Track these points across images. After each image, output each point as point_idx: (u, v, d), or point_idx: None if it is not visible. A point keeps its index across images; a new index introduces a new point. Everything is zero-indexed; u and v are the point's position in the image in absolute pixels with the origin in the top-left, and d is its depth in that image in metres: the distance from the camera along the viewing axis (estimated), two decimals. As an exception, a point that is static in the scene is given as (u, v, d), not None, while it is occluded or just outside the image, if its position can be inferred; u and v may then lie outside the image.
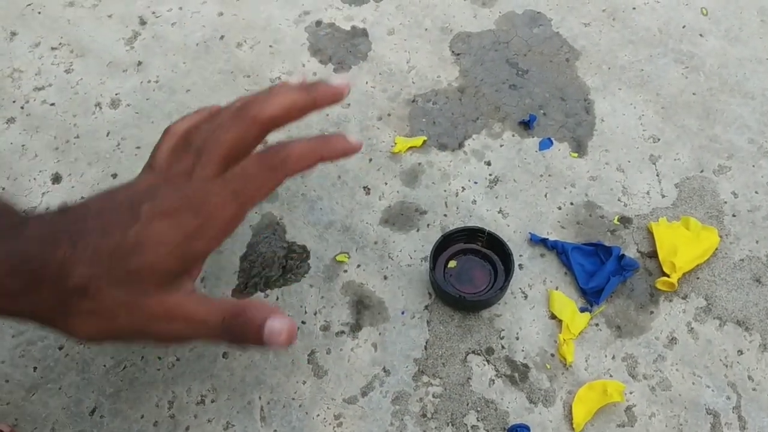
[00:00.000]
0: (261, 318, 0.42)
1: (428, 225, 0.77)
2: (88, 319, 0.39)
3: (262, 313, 0.43)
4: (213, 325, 0.42)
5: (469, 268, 0.72)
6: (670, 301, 0.72)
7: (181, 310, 0.42)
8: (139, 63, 0.91)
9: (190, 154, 0.44)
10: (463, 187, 0.80)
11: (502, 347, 0.69)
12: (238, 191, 0.42)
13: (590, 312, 0.70)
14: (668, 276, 0.72)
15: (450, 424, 0.65)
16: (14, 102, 0.88)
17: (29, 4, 0.98)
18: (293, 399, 0.66)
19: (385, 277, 0.73)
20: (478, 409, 0.66)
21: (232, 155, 0.44)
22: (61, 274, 0.37)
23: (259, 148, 0.47)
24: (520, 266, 0.74)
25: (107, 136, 0.84)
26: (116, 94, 0.88)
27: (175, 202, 0.40)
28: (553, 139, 0.83)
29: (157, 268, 0.39)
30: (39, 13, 0.97)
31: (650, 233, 0.76)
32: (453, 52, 0.93)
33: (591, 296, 0.71)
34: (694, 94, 0.88)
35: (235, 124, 0.45)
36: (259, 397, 0.66)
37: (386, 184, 0.80)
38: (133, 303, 0.39)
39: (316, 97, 0.50)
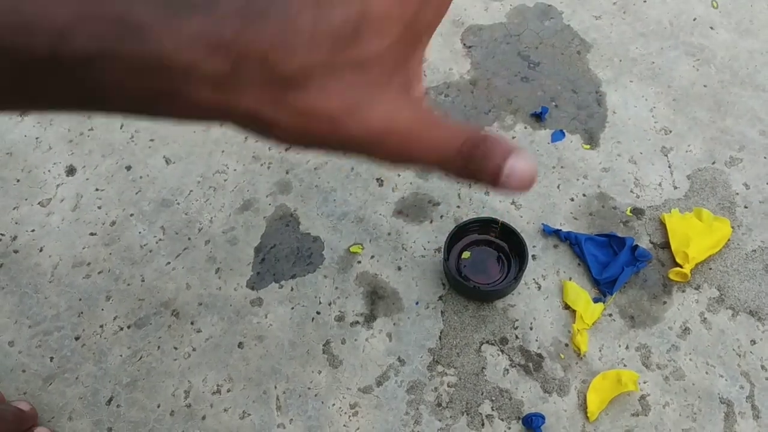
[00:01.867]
0: (503, 152, 0.33)
1: (441, 216, 0.77)
2: (303, 118, 0.31)
3: (505, 147, 0.34)
4: (450, 149, 0.33)
5: (483, 258, 0.72)
6: (683, 291, 0.72)
7: (423, 123, 0.33)
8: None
9: None
10: (475, 179, 0.80)
11: (516, 337, 0.69)
12: None
13: (603, 302, 0.71)
14: (681, 266, 0.72)
15: (465, 414, 0.65)
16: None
17: None
18: (309, 389, 0.67)
19: (399, 268, 0.74)
20: (493, 398, 0.66)
21: None
22: (274, 55, 0.29)
23: None
24: (534, 257, 0.74)
25: (121, 128, 0.85)
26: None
27: None
28: (565, 131, 0.84)
29: (387, 55, 0.32)
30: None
31: (662, 224, 0.76)
32: (465, 44, 0.93)
33: (604, 287, 0.71)
34: (705, 86, 0.88)
35: None
36: (275, 387, 0.67)
37: (399, 175, 0.80)
38: (366, 103, 0.32)
39: None
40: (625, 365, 0.68)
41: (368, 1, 0.32)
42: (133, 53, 0.27)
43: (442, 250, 0.71)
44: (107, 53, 0.27)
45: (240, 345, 0.69)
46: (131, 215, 0.78)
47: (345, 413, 0.65)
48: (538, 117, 0.84)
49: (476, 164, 0.33)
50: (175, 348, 0.69)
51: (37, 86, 0.27)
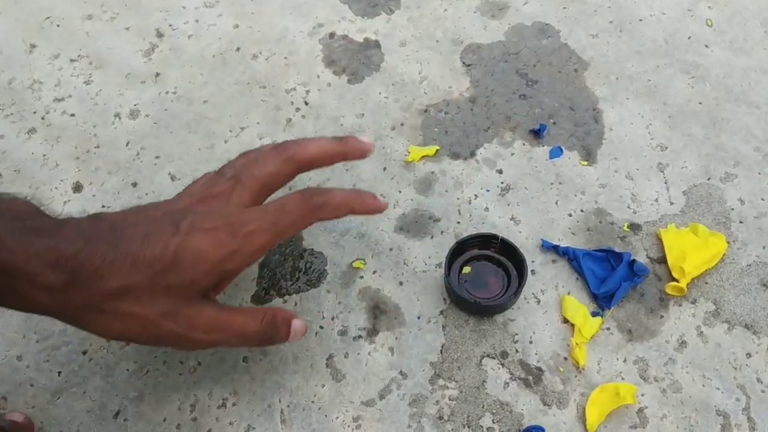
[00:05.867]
0: (288, 320, 0.49)
1: (442, 232, 0.79)
2: (124, 320, 0.41)
3: (288, 315, 0.49)
4: (251, 333, 0.47)
5: (483, 273, 0.74)
6: (680, 305, 0.73)
7: (222, 320, 0.45)
8: (157, 74, 0.94)
9: (228, 182, 0.47)
10: (475, 195, 0.81)
11: (516, 351, 0.71)
12: (275, 222, 0.45)
13: (602, 316, 0.72)
14: (677, 281, 0.73)
15: (466, 426, 0.66)
16: (35, 113, 0.90)
17: (48, 17, 1.00)
18: (313, 402, 0.68)
19: (401, 283, 0.75)
20: (494, 411, 0.67)
21: (267, 187, 0.48)
22: (101, 274, 0.38)
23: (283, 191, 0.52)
24: (533, 272, 0.75)
25: (127, 145, 0.86)
26: (135, 105, 0.90)
27: (215, 221, 0.43)
28: (563, 147, 0.85)
29: (196, 282, 0.42)
30: (58, 25, 0.99)
31: (659, 239, 0.77)
32: (464, 63, 0.95)
33: (602, 301, 0.73)
34: (700, 103, 0.90)
35: (274, 159, 0.49)
36: (279, 401, 0.68)
37: (400, 192, 0.82)
38: (174, 312, 0.41)
39: (346, 149, 0.55)
40: (623, 378, 0.69)
41: (186, 242, 0.41)
42: None
43: (443, 265, 0.72)
44: None
45: (245, 359, 0.70)
46: (137, 231, 0.79)
47: (348, 426, 0.66)
48: (537, 134, 0.86)
49: (274, 332, 0.49)
50: (181, 362, 0.70)
51: None
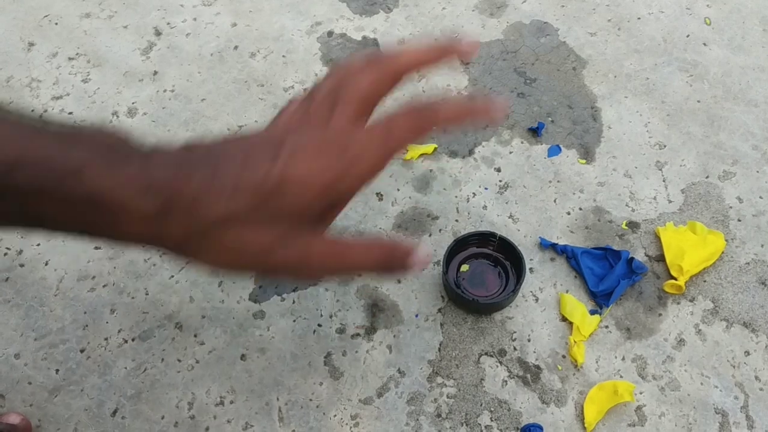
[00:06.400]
0: (408, 252, 0.40)
1: (440, 230, 0.78)
2: (233, 250, 0.36)
3: (408, 247, 0.41)
4: (369, 264, 0.40)
5: (481, 271, 0.74)
6: (678, 303, 0.73)
7: (338, 251, 0.39)
8: (155, 73, 0.93)
9: (323, 104, 0.41)
10: (473, 193, 0.81)
11: (515, 349, 0.71)
12: (383, 142, 0.39)
13: (600, 314, 0.72)
14: (676, 279, 0.73)
15: (464, 424, 0.66)
16: (33, 111, 0.89)
17: (46, 16, 1.00)
18: (311, 400, 0.68)
19: (399, 281, 0.75)
20: (492, 409, 0.67)
21: (368, 103, 0.42)
22: (199, 201, 0.34)
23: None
24: (531, 270, 0.75)
25: (125, 144, 0.86)
26: (133, 103, 0.90)
27: (318, 145, 0.37)
28: (561, 146, 0.85)
29: (303, 208, 0.37)
30: (56, 24, 0.99)
31: (657, 237, 0.77)
32: (462, 61, 0.95)
33: (601, 299, 0.73)
34: (698, 101, 0.90)
35: (370, 71, 0.42)
36: (277, 398, 0.68)
37: (398, 190, 0.82)
38: (285, 241, 0.37)
39: (447, 48, 0.45)
40: (621, 376, 0.69)
41: (290, 167, 0.36)
42: (72, 191, 0.32)
43: (441, 263, 0.72)
44: (48, 189, 0.32)
45: (243, 357, 0.70)
46: (135, 229, 0.79)
47: (346, 424, 0.66)
48: (535, 132, 0.86)
49: (393, 264, 0.41)
50: (179, 360, 0.70)
51: None
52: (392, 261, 0.41)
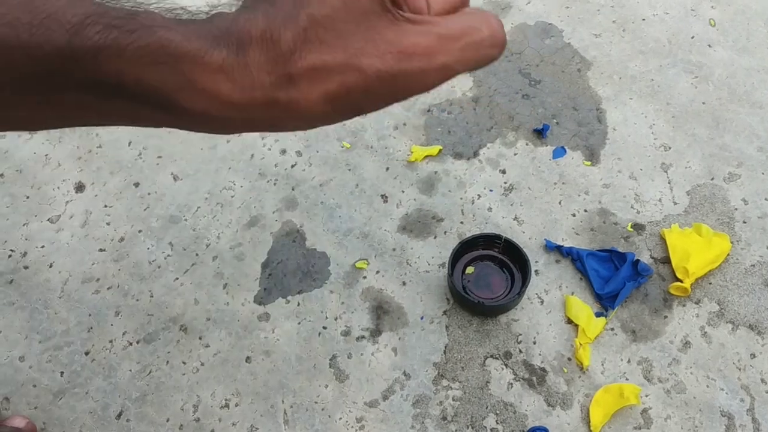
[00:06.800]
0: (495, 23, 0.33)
1: (445, 232, 0.78)
2: (320, 79, 0.30)
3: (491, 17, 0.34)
4: (486, 37, 0.32)
5: (487, 274, 0.73)
6: (684, 305, 0.73)
7: (440, 32, 0.32)
8: None
9: None
10: (478, 195, 0.81)
11: (520, 351, 0.70)
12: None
13: (605, 316, 0.72)
14: (681, 281, 0.73)
15: (470, 427, 0.66)
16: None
17: (50, 17, 1.00)
18: (316, 403, 0.67)
19: (404, 283, 0.75)
20: (497, 412, 0.67)
21: None
22: (270, 34, 0.29)
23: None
24: (536, 272, 0.75)
25: (129, 145, 0.86)
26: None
27: None
28: (566, 147, 0.85)
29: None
30: None
31: (663, 239, 0.77)
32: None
33: (606, 301, 0.72)
34: (703, 103, 0.89)
35: None
36: (282, 401, 0.68)
37: (403, 192, 0.81)
38: (370, 43, 0.31)
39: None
40: (627, 379, 0.69)
41: None
42: (143, 43, 0.29)
43: (447, 265, 0.72)
44: (118, 44, 0.29)
45: (248, 359, 0.70)
46: (139, 231, 0.79)
47: (351, 427, 0.66)
48: (540, 134, 0.86)
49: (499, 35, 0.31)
50: (184, 363, 0.70)
51: (53, 83, 0.28)
52: (500, 28, 0.33)
